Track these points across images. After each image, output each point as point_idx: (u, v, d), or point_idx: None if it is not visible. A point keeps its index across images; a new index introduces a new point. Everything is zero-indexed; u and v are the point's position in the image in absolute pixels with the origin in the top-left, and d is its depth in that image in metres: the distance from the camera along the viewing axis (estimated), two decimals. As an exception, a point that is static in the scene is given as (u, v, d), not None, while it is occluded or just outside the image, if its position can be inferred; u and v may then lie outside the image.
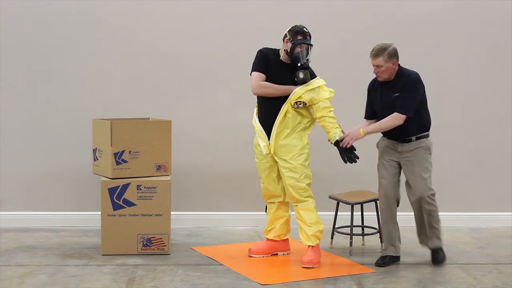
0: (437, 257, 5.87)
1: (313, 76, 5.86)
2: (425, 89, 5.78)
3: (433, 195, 5.76)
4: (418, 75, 5.75)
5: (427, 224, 5.82)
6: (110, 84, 7.02)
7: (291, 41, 5.75)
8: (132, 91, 7.04)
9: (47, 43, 6.96)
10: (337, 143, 5.76)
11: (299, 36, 5.74)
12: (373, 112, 5.90)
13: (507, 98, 7.23)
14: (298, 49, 5.75)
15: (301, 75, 5.74)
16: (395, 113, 5.64)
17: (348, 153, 5.76)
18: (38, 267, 5.69)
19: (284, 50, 5.82)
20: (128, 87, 7.04)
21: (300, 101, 5.76)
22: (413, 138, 5.74)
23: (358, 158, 5.77)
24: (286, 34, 5.80)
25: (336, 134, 5.75)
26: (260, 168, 5.99)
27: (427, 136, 5.81)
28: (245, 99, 7.02)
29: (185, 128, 6.97)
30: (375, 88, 5.87)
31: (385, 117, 5.73)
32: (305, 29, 5.79)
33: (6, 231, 6.78)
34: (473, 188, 7.21)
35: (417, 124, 5.72)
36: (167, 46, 7.03)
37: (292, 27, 5.81)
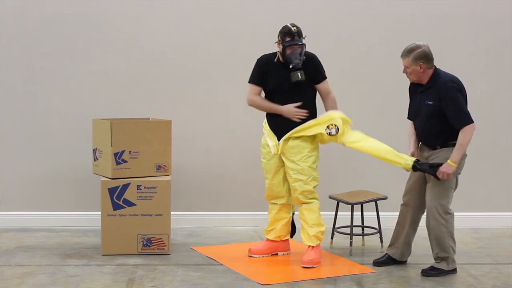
0: (427, 272, 5.63)
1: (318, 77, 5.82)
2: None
3: (445, 211, 5.52)
4: (455, 80, 5.50)
5: (431, 241, 5.63)
6: (110, 84, 7.02)
7: (282, 43, 5.74)
8: (132, 91, 7.03)
9: (47, 43, 6.96)
10: None
11: (287, 37, 5.70)
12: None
13: (507, 97, 7.23)
14: (289, 51, 5.72)
15: (294, 76, 5.72)
16: (460, 131, 5.40)
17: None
18: (38, 267, 5.69)
19: (278, 51, 5.82)
20: (128, 87, 7.04)
21: (332, 125, 5.72)
22: (438, 146, 5.54)
23: None
24: (278, 35, 5.78)
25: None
26: (266, 168, 5.97)
27: (454, 145, 5.50)
28: (245, 100, 7.03)
29: (185, 128, 6.96)
30: (414, 89, 5.67)
31: (418, 121, 5.60)
32: (293, 28, 5.71)
33: (6, 231, 6.78)
34: (473, 188, 7.20)
35: (443, 133, 5.49)
36: (167, 46, 7.03)
37: (282, 28, 5.77)
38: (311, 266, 5.77)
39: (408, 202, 5.77)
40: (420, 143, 5.73)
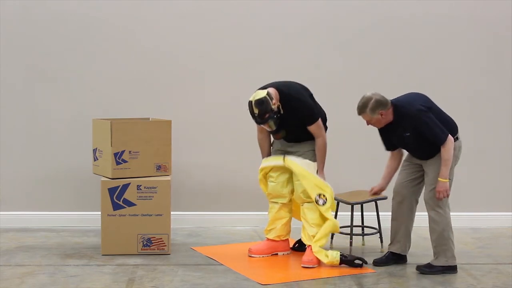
0: (422, 269, 5.67)
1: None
2: (427, 95, 5.66)
3: (444, 203, 5.57)
4: (415, 103, 5.55)
5: (431, 234, 5.65)
6: (110, 84, 7.02)
7: None
8: (132, 91, 7.03)
9: (47, 43, 6.95)
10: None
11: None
12: (392, 144, 5.77)
13: (507, 98, 7.23)
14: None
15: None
16: (441, 148, 5.47)
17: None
18: (38, 267, 5.69)
19: None
20: (128, 87, 7.04)
21: (324, 196, 5.81)
22: (433, 156, 5.59)
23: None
24: None
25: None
26: (274, 168, 6.00)
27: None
28: (244, 100, 7.02)
29: (185, 128, 6.96)
30: (385, 129, 5.69)
31: (408, 150, 5.73)
32: (255, 111, 5.70)
33: (6, 231, 6.78)
34: (473, 188, 7.20)
35: (434, 148, 5.53)
36: (167, 46, 7.03)
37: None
38: (311, 266, 5.77)
39: (400, 195, 5.81)
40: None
